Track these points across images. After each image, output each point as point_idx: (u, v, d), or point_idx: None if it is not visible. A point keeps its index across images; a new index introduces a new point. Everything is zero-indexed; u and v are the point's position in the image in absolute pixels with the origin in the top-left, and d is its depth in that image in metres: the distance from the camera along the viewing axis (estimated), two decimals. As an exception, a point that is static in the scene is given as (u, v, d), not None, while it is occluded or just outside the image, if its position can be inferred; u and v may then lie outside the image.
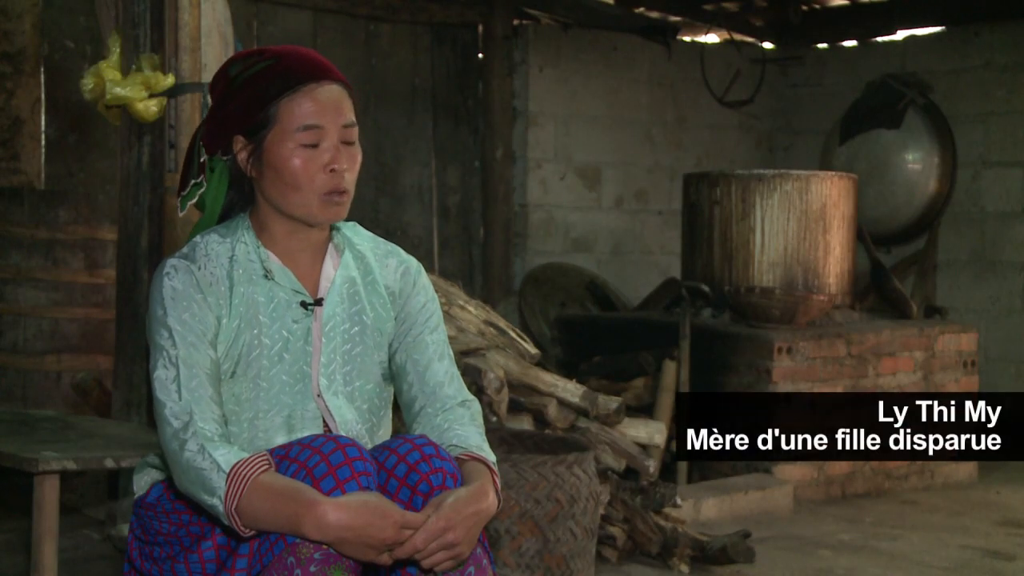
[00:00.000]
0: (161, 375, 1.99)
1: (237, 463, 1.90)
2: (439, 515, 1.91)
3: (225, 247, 2.09)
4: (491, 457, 2.11)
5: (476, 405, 2.22)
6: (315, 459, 1.90)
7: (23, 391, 4.65)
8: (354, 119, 2.10)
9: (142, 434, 3.31)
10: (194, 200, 2.17)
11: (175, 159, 3.67)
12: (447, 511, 1.92)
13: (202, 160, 2.14)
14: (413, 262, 2.25)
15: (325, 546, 1.85)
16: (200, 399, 1.98)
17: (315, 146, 2.05)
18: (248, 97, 2.05)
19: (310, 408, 2.08)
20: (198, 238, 2.11)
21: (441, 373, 2.19)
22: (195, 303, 2.04)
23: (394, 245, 2.27)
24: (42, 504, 2.84)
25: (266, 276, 2.09)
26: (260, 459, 1.91)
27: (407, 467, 1.97)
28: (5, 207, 4.71)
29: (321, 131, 2.05)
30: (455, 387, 2.20)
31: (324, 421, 2.11)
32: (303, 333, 2.09)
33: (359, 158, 2.10)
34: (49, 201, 4.72)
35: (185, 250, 2.10)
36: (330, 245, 2.18)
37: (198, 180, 2.14)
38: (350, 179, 2.08)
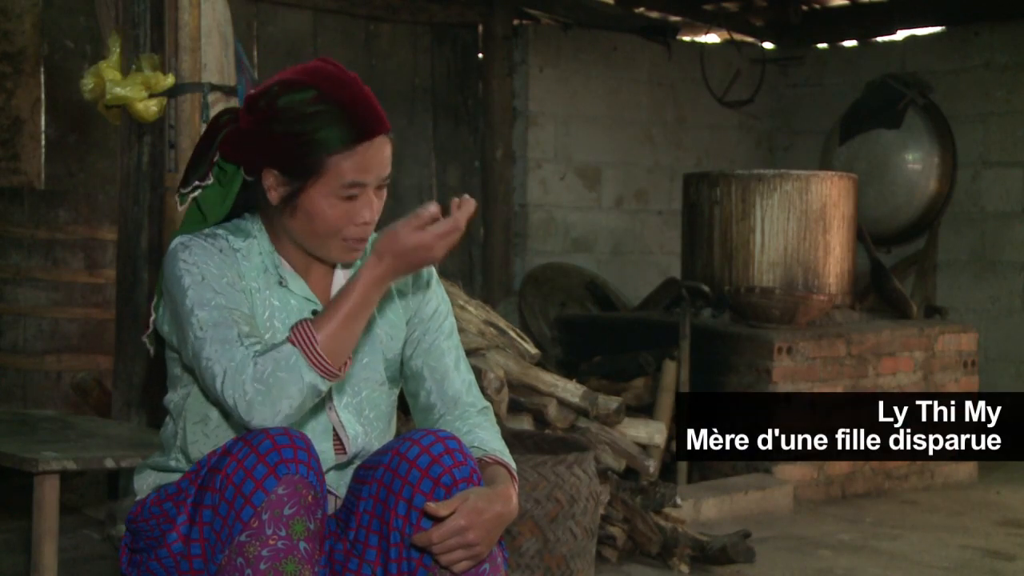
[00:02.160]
0: (196, 345, 1.93)
1: (290, 333, 1.90)
2: (461, 513, 1.90)
3: (236, 242, 2.07)
4: (512, 463, 2.11)
5: (492, 411, 2.23)
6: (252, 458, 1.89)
7: (23, 391, 4.65)
8: (390, 168, 2.06)
9: (142, 434, 3.31)
10: (195, 194, 2.13)
11: (175, 159, 3.67)
12: (469, 510, 1.91)
13: (214, 159, 2.08)
14: None
15: (272, 541, 1.84)
16: (250, 333, 1.93)
17: (353, 198, 2.01)
18: (297, 140, 1.97)
19: (322, 421, 2.07)
20: (211, 229, 2.07)
21: (459, 382, 2.19)
22: (223, 264, 2.00)
23: None
24: (42, 504, 2.84)
25: (280, 283, 2.07)
26: (302, 321, 1.92)
27: (430, 458, 1.96)
28: (5, 207, 4.71)
29: (363, 187, 2.01)
30: (474, 395, 2.21)
31: (335, 433, 2.10)
32: None
33: (383, 201, 2.06)
34: (49, 201, 4.72)
35: (199, 232, 2.06)
36: None
37: (205, 182, 2.08)
38: (372, 228, 2.07)
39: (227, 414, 2.03)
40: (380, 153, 2.01)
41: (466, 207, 1.91)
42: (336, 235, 2.02)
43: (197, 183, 2.08)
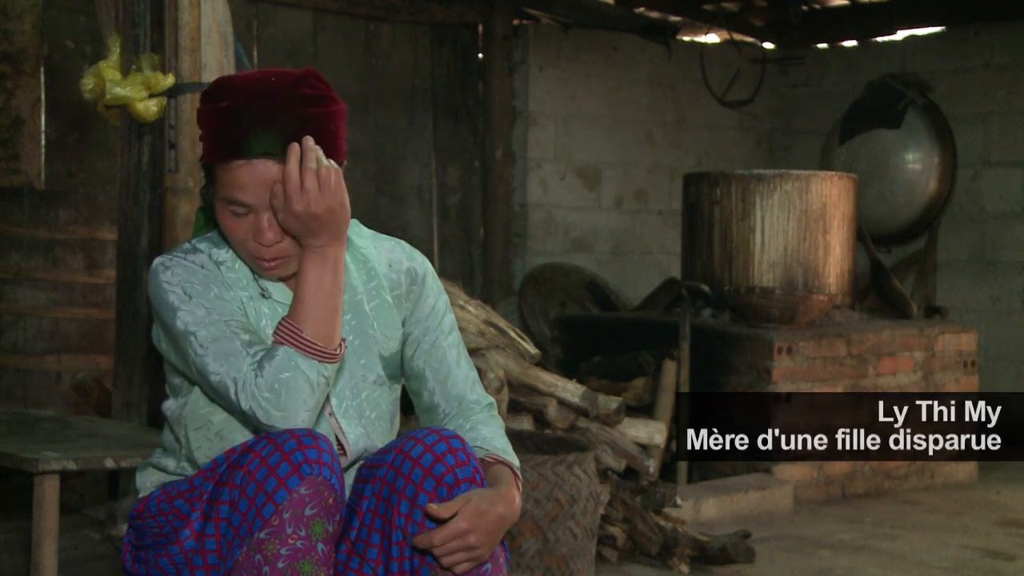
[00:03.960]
0: (200, 363, 1.94)
1: (274, 336, 1.92)
2: (463, 515, 1.90)
3: (219, 254, 2.07)
4: (516, 461, 2.11)
5: (496, 407, 2.22)
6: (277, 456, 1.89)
7: (23, 391, 4.64)
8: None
9: (142, 434, 3.31)
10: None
11: (175, 159, 3.67)
12: (471, 512, 1.91)
13: None
14: (418, 259, 2.21)
15: (292, 541, 1.84)
16: (238, 351, 1.93)
17: (241, 216, 1.97)
18: (206, 141, 1.98)
19: (323, 427, 2.06)
20: (193, 243, 2.09)
21: (462, 380, 2.19)
22: (205, 280, 2.01)
23: (397, 240, 2.23)
24: (42, 504, 2.84)
25: (263, 295, 2.07)
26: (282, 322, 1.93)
27: (433, 457, 1.95)
28: (5, 207, 4.71)
29: (245, 207, 1.96)
30: (478, 392, 2.21)
31: (337, 439, 2.09)
32: None
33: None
34: (49, 201, 4.72)
35: (179, 249, 2.07)
36: None
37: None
38: (283, 247, 1.98)
39: (240, 418, 2.02)
40: (263, 176, 1.93)
41: (292, 153, 1.90)
42: (242, 246, 2.00)
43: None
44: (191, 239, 2.13)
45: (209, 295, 1.99)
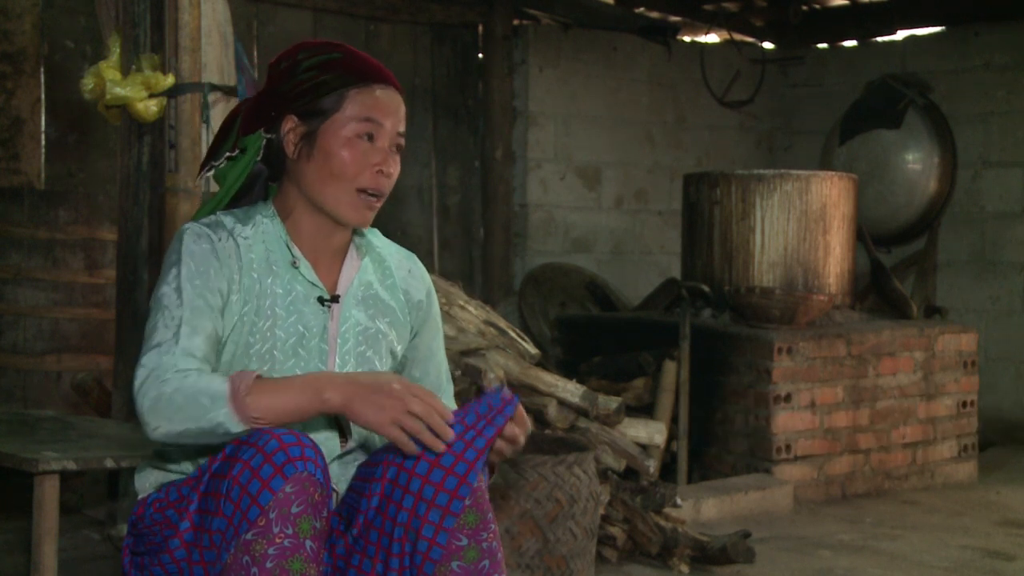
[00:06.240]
0: (161, 333, 1.96)
1: (234, 374, 1.91)
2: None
3: (243, 231, 2.09)
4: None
5: None
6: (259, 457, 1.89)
7: (23, 391, 4.64)
8: (404, 128, 2.13)
9: (142, 434, 3.30)
10: (212, 172, 2.17)
11: (175, 159, 3.67)
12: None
13: (236, 142, 2.14)
14: (428, 275, 2.31)
15: (279, 540, 1.84)
16: (193, 352, 1.95)
17: (371, 139, 2.07)
18: (316, 81, 2.07)
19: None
20: (220, 216, 2.11)
21: (447, 398, 2.29)
22: (212, 269, 2.03)
23: (410, 252, 2.33)
24: (42, 504, 2.84)
25: (293, 264, 2.10)
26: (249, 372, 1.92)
27: (428, 464, 1.96)
28: (5, 207, 4.70)
29: (380, 128, 2.08)
30: (450, 404, 2.30)
31: (337, 421, 2.11)
32: (319, 331, 2.09)
33: (398, 169, 2.13)
34: (49, 201, 4.72)
35: (207, 220, 2.10)
36: (351, 247, 2.19)
37: (234, 153, 2.13)
38: (388, 185, 2.11)
39: None
40: (396, 103, 2.11)
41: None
42: (351, 181, 2.07)
43: (228, 154, 2.14)
44: (213, 210, 2.14)
45: (210, 288, 2.01)
